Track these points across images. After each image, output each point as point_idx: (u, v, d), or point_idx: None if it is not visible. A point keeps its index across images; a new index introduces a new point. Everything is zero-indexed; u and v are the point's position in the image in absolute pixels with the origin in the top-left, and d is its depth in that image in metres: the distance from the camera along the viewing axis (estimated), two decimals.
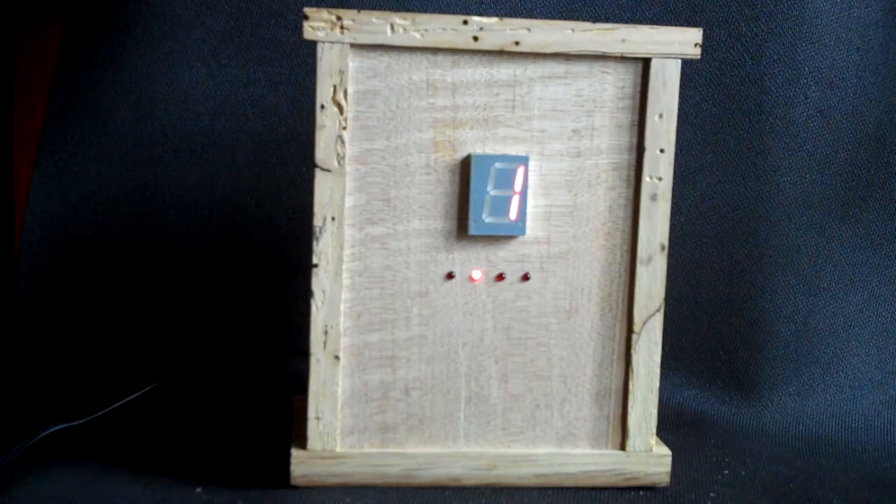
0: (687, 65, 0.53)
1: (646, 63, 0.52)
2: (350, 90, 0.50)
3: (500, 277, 0.53)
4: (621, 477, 0.54)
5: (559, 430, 0.54)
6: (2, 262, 0.78)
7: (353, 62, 0.50)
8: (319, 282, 0.51)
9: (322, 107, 0.50)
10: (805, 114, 0.72)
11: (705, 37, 0.69)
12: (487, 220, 0.52)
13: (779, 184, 0.72)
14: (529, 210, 0.52)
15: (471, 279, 0.52)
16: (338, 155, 0.51)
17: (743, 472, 0.59)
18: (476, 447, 0.54)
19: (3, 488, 0.51)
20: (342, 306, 0.52)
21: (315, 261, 0.51)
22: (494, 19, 0.50)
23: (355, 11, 0.49)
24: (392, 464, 0.53)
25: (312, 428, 0.52)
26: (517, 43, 0.51)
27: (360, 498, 0.51)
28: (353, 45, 0.50)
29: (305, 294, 0.52)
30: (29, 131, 0.77)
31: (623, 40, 0.51)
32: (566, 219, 0.53)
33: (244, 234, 0.76)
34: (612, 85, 0.52)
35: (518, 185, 0.52)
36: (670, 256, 0.54)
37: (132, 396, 0.64)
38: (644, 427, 0.54)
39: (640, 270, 0.53)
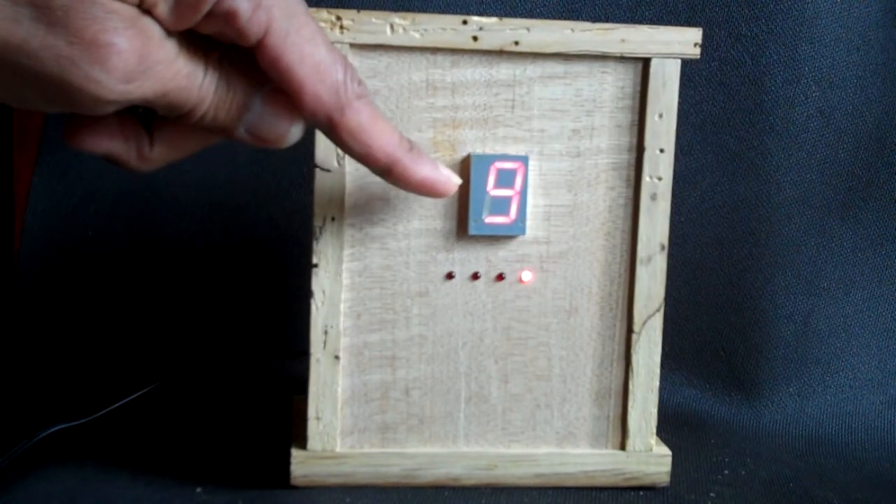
0: (687, 65, 0.53)
1: (645, 63, 0.52)
2: None
3: (500, 277, 0.53)
4: (621, 477, 0.54)
5: (559, 429, 0.54)
6: (2, 262, 0.78)
7: (353, 62, 0.50)
8: (319, 282, 0.51)
9: None
10: (805, 114, 0.72)
11: (705, 37, 0.69)
12: (487, 220, 0.52)
13: (779, 184, 0.72)
14: (529, 210, 0.52)
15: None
16: (338, 155, 0.51)
17: (743, 472, 0.59)
18: (476, 447, 0.54)
19: (3, 488, 0.51)
20: (342, 306, 0.52)
21: (315, 261, 0.51)
22: (494, 19, 0.50)
23: (355, 11, 0.49)
24: (392, 464, 0.53)
25: (312, 428, 0.52)
26: (517, 43, 0.51)
27: (360, 498, 0.51)
28: (352, 45, 0.50)
29: (305, 294, 0.52)
30: (29, 131, 0.77)
31: (623, 40, 0.51)
32: (566, 219, 0.53)
33: (244, 234, 0.76)
34: (611, 85, 0.52)
35: (518, 185, 0.52)
36: (670, 256, 0.54)
37: (132, 396, 0.64)
38: (644, 427, 0.54)
39: (640, 270, 0.53)
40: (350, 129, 0.42)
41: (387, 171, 0.45)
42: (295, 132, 0.42)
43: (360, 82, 0.41)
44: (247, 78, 0.40)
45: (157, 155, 0.41)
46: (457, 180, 0.48)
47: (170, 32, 0.37)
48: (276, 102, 0.40)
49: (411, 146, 0.45)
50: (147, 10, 0.36)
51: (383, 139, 0.43)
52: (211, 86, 0.39)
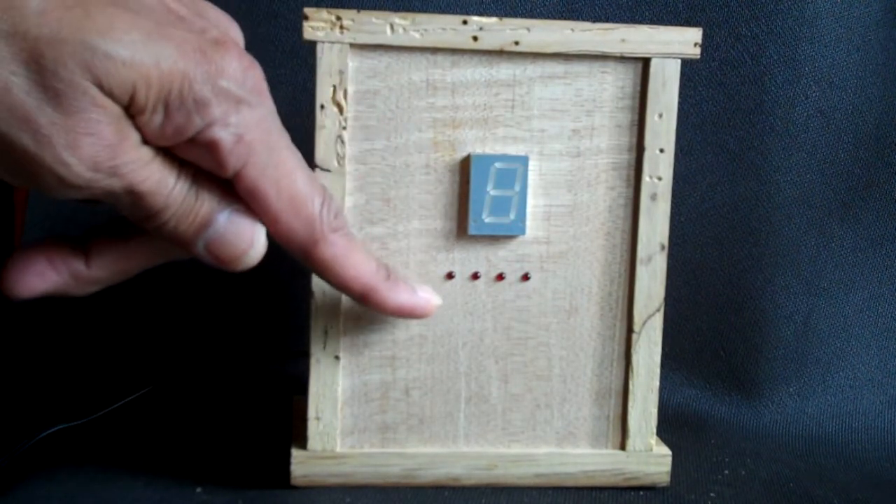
0: (687, 65, 0.53)
1: (645, 63, 0.52)
2: (350, 90, 0.50)
3: (500, 277, 0.53)
4: (621, 477, 0.54)
5: (559, 429, 0.54)
6: (2, 262, 0.78)
7: (353, 62, 0.50)
8: (319, 282, 0.51)
9: (322, 107, 0.50)
10: (805, 114, 0.72)
11: (705, 37, 0.69)
12: (487, 220, 0.52)
13: (779, 184, 0.72)
14: (529, 210, 0.52)
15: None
16: (338, 155, 0.51)
17: (743, 472, 0.59)
18: (476, 447, 0.54)
19: (3, 488, 0.51)
20: (342, 306, 0.52)
21: None
22: (494, 19, 0.50)
23: (355, 11, 0.49)
24: (392, 464, 0.53)
25: (312, 428, 0.52)
26: (517, 43, 0.51)
27: (360, 498, 0.51)
28: (352, 46, 0.50)
29: (305, 294, 0.52)
30: None
31: (623, 40, 0.51)
32: (566, 219, 0.53)
33: None
34: (611, 85, 0.52)
35: (517, 185, 0.52)
36: (670, 256, 0.54)
37: (132, 397, 0.64)
38: (644, 427, 0.54)
39: (640, 270, 0.53)
40: (323, 261, 0.43)
41: (362, 299, 0.46)
42: (252, 256, 0.42)
43: (336, 215, 0.42)
44: (217, 194, 0.40)
45: (96, 274, 0.41)
46: (436, 301, 0.49)
47: (147, 142, 0.37)
48: (238, 224, 0.41)
49: (389, 273, 0.47)
50: (132, 116, 0.36)
51: (359, 269, 0.45)
52: (179, 195, 0.39)
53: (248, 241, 0.41)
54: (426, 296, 0.49)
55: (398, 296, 0.47)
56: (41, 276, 0.40)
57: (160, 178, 0.38)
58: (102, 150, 0.35)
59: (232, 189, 0.40)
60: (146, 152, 0.37)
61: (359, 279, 0.45)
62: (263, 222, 0.41)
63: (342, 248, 0.43)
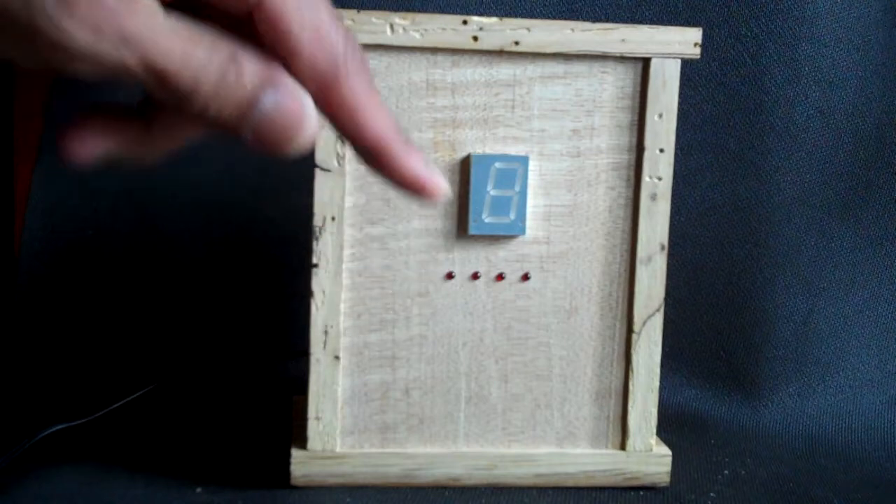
0: (687, 65, 0.53)
1: (645, 63, 0.52)
2: None
3: (500, 277, 0.53)
4: (621, 477, 0.54)
5: (559, 429, 0.54)
6: (2, 262, 0.78)
7: None
8: (319, 282, 0.51)
9: None
10: (805, 114, 0.72)
11: (705, 37, 0.69)
12: (487, 219, 0.52)
13: (779, 184, 0.72)
14: (529, 210, 0.52)
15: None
16: (338, 155, 0.51)
17: (743, 472, 0.59)
18: (476, 447, 0.54)
19: (3, 488, 0.51)
20: (342, 306, 0.52)
21: (315, 261, 0.51)
22: (494, 19, 0.50)
23: (355, 11, 0.49)
24: (392, 464, 0.53)
25: (312, 428, 0.52)
26: (517, 43, 0.51)
27: (360, 498, 0.51)
28: None
29: (305, 294, 0.52)
30: (29, 131, 0.77)
31: (623, 40, 0.51)
32: (566, 219, 0.53)
33: (244, 234, 0.75)
34: (611, 85, 0.52)
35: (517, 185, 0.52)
36: (670, 256, 0.54)
37: (132, 397, 0.64)
38: (644, 427, 0.54)
39: (640, 270, 0.53)
40: (341, 102, 0.39)
41: (375, 155, 0.41)
42: (305, 135, 0.37)
43: (361, 58, 0.39)
44: (258, 72, 0.38)
45: (156, 137, 0.38)
46: (447, 189, 0.45)
47: (164, 3, 0.34)
48: (286, 102, 0.37)
49: (407, 139, 0.43)
50: None
51: (377, 120, 0.40)
52: (212, 74, 0.36)
53: (299, 120, 0.37)
54: (439, 178, 0.44)
55: (411, 161, 0.42)
56: (101, 138, 0.37)
57: (184, 52, 0.35)
58: (103, 11, 0.32)
59: (275, 68, 0.37)
60: (161, 18, 0.34)
61: (375, 130, 0.40)
62: (284, 58, 0.37)
63: (364, 91, 0.39)
